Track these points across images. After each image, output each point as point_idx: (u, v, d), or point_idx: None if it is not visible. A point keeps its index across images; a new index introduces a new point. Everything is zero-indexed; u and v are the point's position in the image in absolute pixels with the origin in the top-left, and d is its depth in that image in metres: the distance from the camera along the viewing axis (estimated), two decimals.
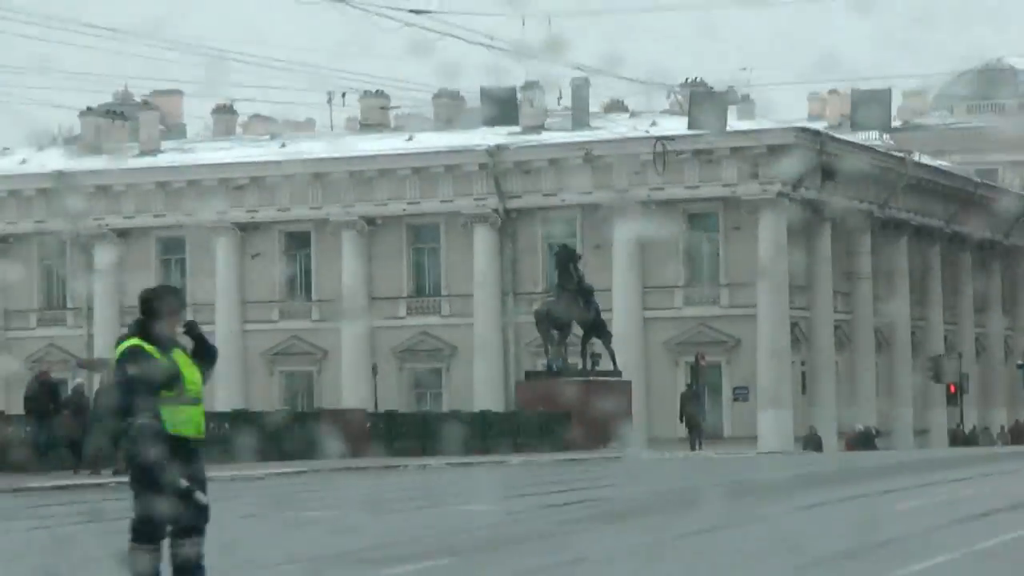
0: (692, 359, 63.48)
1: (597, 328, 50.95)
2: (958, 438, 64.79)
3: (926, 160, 73.97)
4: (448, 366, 68.54)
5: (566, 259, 51.94)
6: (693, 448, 52.10)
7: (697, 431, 53.23)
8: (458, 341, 67.85)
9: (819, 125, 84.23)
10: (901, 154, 71.32)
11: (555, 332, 50.14)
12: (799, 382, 65.26)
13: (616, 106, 74.98)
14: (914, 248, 72.17)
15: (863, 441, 59.62)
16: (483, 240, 67.67)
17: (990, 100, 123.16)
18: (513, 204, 67.51)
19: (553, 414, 47.02)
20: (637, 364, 64.34)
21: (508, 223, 67.59)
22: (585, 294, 50.58)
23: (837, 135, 69.45)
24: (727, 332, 64.77)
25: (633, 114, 70.24)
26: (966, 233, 74.36)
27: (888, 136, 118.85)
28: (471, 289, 67.32)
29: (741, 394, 63.71)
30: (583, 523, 19.35)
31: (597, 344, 51.56)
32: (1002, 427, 72.33)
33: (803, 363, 65.39)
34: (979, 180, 77.41)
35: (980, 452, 51.15)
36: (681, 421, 53.58)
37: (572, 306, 49.80)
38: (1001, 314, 76.20)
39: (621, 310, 64.75)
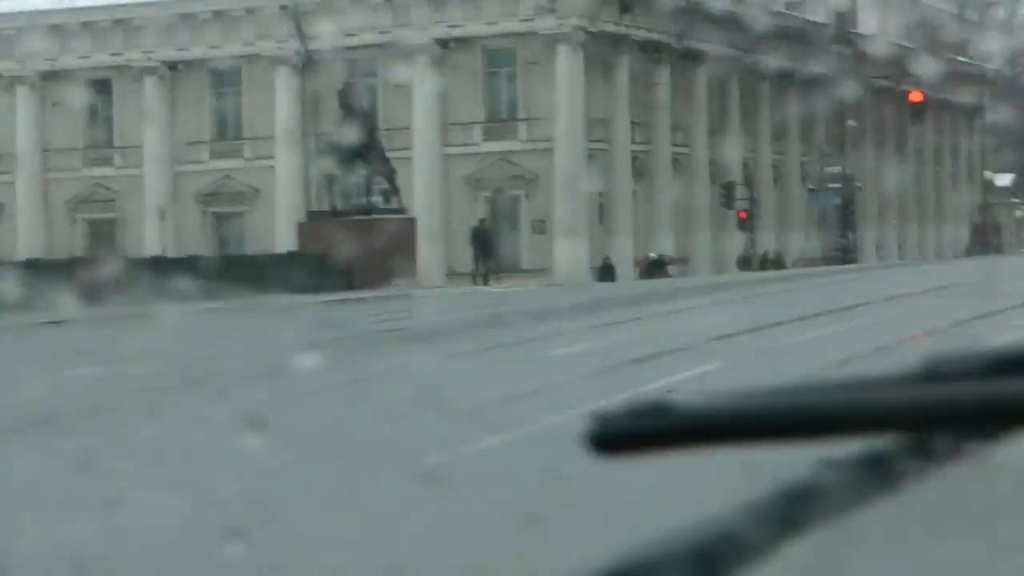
0: (491, 194, 62.71)
1: (381, 165, 49.76)
2: (749, 263, 64.61)
3: None
4: (251, 209, 67.12)
5: (349, 98, 50.63)
6: (478, 282, 51.37)
7: (485, 265, 52.48)
8: (261, 184, 66.42)
9: None
10: None
11: (338, 172, 48.92)
12: (597, 213, 64.59)
13: None
14: (713, 79, 71.39)
15: (655, 268, 59.25)
16: (284, 82, 66.04)
17: None
18: (314, 45, 65.77)
19: (332, 254, 45.86)
20: (438, 201, 63.44)
21: (309, 65, 65.92)
22: (369, 132, 49.31)
23: None
24: (526, 166, 63.84)
25: None
26: (764, 63, 73.63)
27: None
28: (273, 132, 65.79)
29: (539, 227, 62.93)
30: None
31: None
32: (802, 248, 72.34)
33: (600, 194, 64.66)
34: (784, 12, 76.59)
35: (752, 277, 50.85)
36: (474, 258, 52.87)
37: (355, 144, 48.51)
38: (799, 142, 75.79)
39: (421, 147, 63.65)
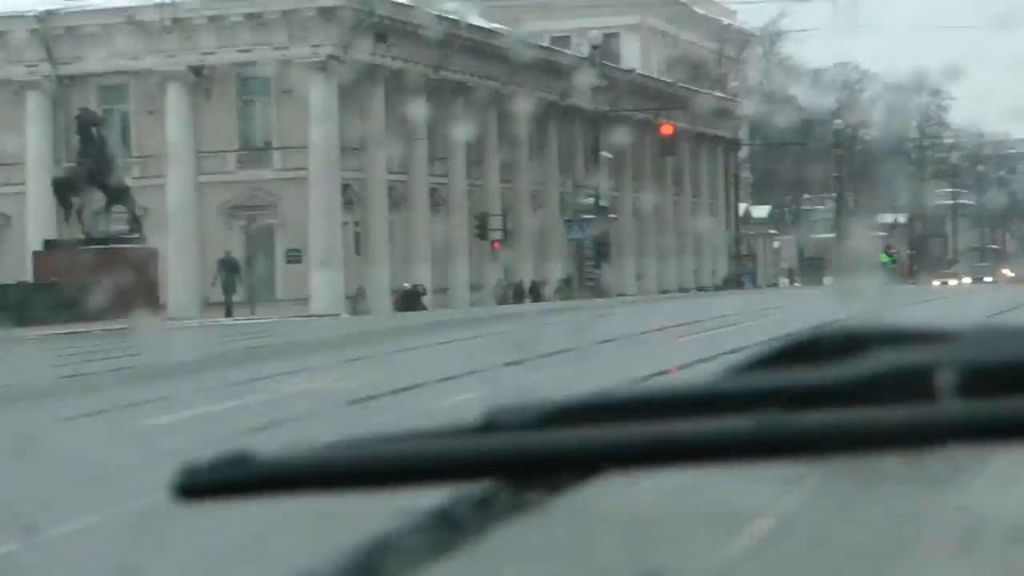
0: (245, 223, 60.77)
1: (119, 194, 47.60)
2: (506, 296, 63.57)
3: (482, 23, 71.83)
4: (1, 236, 64.24)
5: (87, 124, 48.42)
6: (228, 314, 49.44)
7: (231, 297, 50.60)
8: (13, 211, 63.60)
9: None
10: (455, 17, 68.97)
11: (75, 199, 46.65)
12: (353, 243, 62.93)
13: None
14: (472, 110, 70.23)
15: (410, 299, 57.78)
16: (35, 108, 63.34)
17: None
18: (66, 71, 63.26)
19: (67, 284, 43.63)
20: (192, 230, 61.30)
21: (60, 90, 63.33)
22: (107, 160, 47.15)
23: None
24: (280, 195, 61.93)
25: None
26: (524, 95, 72.69)
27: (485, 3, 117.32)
28: (22, 158, 62.97)
29: (294, 256, 61.06)
30: None
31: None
32: (560, 280, 71.34)
33: (357, 223, 63.01)
34: (541, 44, 75.84)
35: (502, 311, 49.54)
36: (213, 285, 50.86)
37: (93, 172, 46.31)
38: (557, 173, 74.93)
39: (175, 175, 61.43)
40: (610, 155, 72.64)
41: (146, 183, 62.40)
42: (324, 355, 25.69)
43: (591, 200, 68.48)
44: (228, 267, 51.28)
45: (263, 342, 32.54)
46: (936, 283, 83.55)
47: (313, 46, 60.29)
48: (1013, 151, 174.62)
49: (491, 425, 1.58)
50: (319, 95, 60.38)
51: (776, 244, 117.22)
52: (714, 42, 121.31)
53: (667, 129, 63.20)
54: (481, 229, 61.14)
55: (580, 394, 1.65)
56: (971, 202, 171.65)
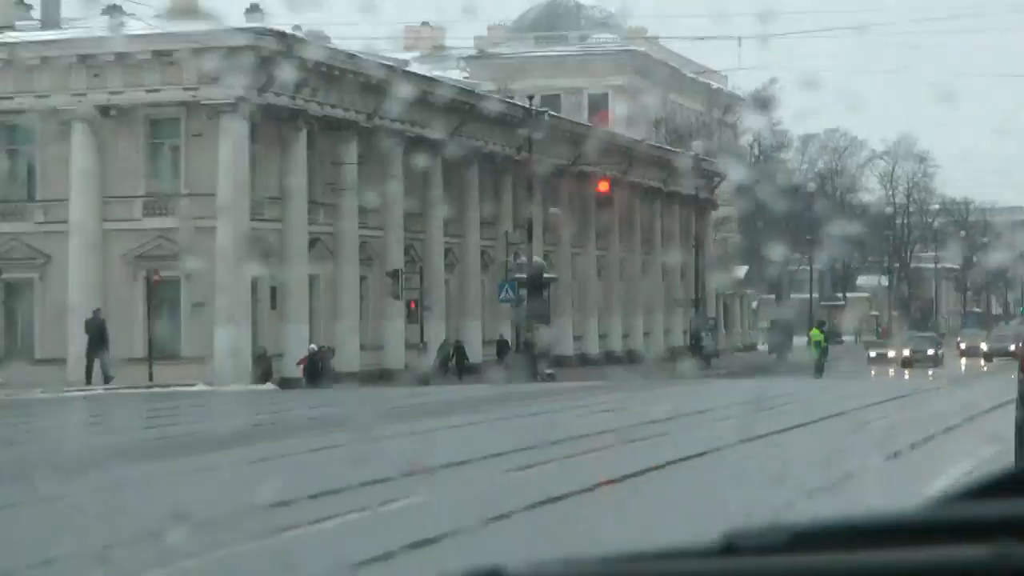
0: (148, 273, 51.35)
1: None
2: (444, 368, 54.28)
3: (423, 72, 62.43)
4: None
5: None
6: (89, 380, 40.05)
7: (96, 359, 41.17)
8: None
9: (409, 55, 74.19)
10: (391, 63, 59.64)
11: None
12: (269, 298, 53.44)
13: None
14: (411, 161, 60.88)
15: (318, 363, 48.34)
16: None
17: (555, 31, 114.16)
18: None
19: None
20: (95, 280, 51.96)
21: None
22: None
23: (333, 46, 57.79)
24: (188, 245, 52.40)
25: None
26: (468, 147, 63.22)
27: (464, 64, 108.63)
28: None
29: (197, 311, 51.53)
30: None
31: None
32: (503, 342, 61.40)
33: (273, 277, 53.55)
34: (487, 94, 66.43)
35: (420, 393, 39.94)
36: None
37: None
38: (497, 228, 65.23)
39: (79, 222, 52.14)
40: (558, 211, 62.97)
41: (50, 228, 53.25)
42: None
43: (535, 260, 58.78)
44: (95, 328, 41.99)
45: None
46: (872, 354, 73.34)
47: (225, 88, 50.86)
48: (999, 218, 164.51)
49: (731, 547, 1.51)
50: (229, 139, 50.96)
51: (755, 304, 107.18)
52: (703, 105, 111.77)
53: (603, 186, 53.47)
54: (395, 287, 51.06)
55: (821, 518, 1.58)
56: (955, 266, 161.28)
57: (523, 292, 54.22)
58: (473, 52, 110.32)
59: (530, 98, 58.23)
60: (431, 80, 61.35)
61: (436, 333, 56.89)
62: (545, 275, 56.94)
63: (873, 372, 64.58)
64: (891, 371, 64.06)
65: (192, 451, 20.70)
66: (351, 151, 56.32)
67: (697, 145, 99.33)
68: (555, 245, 73.71)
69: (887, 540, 1.51)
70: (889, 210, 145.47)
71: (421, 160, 60.88)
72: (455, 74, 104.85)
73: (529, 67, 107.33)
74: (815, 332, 47.35)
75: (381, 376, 54.14)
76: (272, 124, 52.55)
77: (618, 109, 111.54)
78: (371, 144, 57.68)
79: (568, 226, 72.61)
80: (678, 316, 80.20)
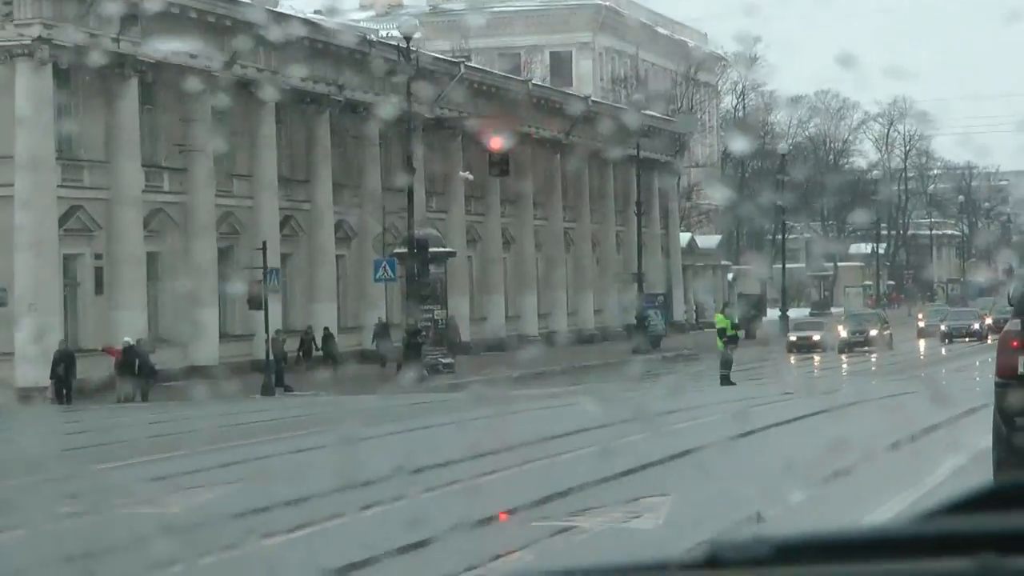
0: None
1: None
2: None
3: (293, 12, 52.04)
4: None
5: None
6: None
7: None
8: None
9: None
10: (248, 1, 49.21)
11: None
12: (91, 280, 43.50)
13: None
14: (286, 117, 50.98)
15: (131, 360, 38.39)
16: None
17: None
18: None
19: None
20: None
21: None
22: None
23: None
24: None
25: None
26: (349, 99, 53.02)
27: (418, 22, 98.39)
28: None
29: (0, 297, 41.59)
30: None
31: None
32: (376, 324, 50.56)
33: (98, 256, 43.63)
34: (365, 36, 56.02)
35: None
36: None
37: None
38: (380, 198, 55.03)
39: None
40: (469, 176, 52.72)
41: None
42: None
43: (428, 231, 48.72)
44: None
45: None
46: (793, 337, 60.86)
47: (18, 25, 40.80)
48: (1004, 183, 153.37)
49: (715, 560, 1.49)
50: (26, 89, 40.89)
51: (731, 276, 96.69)
52: (678, 64, 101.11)
53: (495, 143, 42.89)
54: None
55: (802, 532, 1.55)
56: (956, 232, 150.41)
57: (391, 272, 44.22)
58: (426, 9, 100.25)
59: (451, 55, 47.56)
60: (311, 23, 51.18)
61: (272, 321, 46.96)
62: (436, 249, 46.80)
63: (791, 363, 52.86)
64: (816, 359, 52.52)
65: None
66: (204, 106, 46.22)
67: (660, 106, 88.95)
68: (482, 215, 63.72)
69: (870, 554, 1.50)
70: (877, 174, 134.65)
71: (298, 116, 51.07)
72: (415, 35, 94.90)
73: (487, 24, 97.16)
74: (720, 318, 35.26)
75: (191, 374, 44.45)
76: (91, 73, 42.41)
77: (582, 68, 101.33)
78: (231, 97, 47.68)
79: (489, 193, 62.49)
80: (624, 293, 70.08)
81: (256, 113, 48.93)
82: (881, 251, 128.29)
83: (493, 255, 63.78)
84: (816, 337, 56.94)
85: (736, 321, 35.27)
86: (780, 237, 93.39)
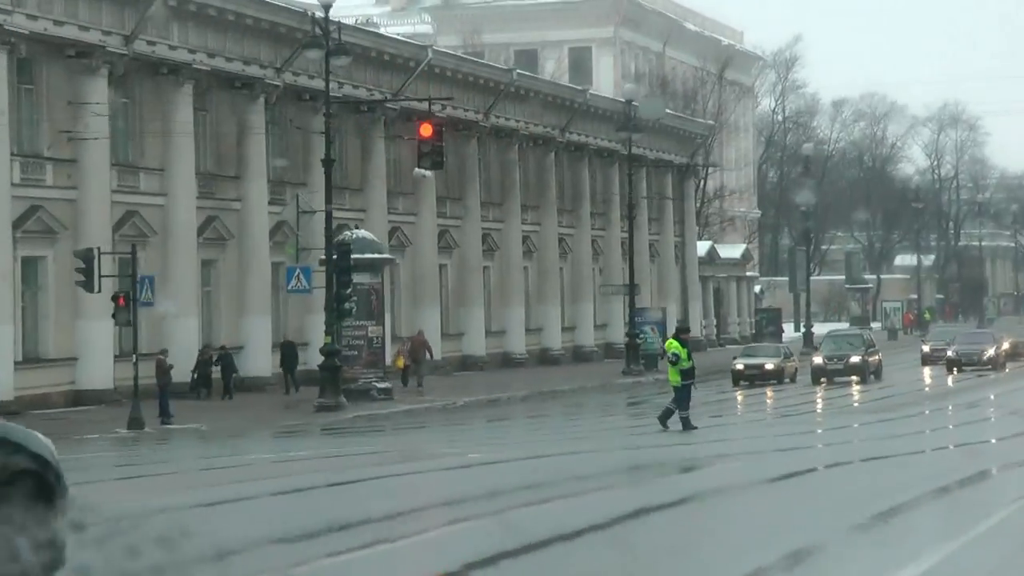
0: None
1: None
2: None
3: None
4: None
5: None
6: None
7: None
8: None
9: None
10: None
11: None
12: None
13: None
14: (212, 100, 43.88)
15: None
16: None
17: None
18: None
19: None
20: None
21: None
22: None
23: None
24: None
25: None
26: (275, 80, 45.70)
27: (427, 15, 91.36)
28: None
29: None
30: None
31: None
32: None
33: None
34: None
35: None
36: None
37: None
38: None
39: None
40: (426, 173, 45.29)
41: None
42: None
43: (358, 232, 41.45)
44: None
45: None
46: (739, 365, 49.27)
47: None
48: None
49: None
50: None
51: (758, 288, 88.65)
52: (706, 62, 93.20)
53: (425, 130, 35.30)
54: (86, 276, 32.62)
55: None
56: (1011, 244, 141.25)
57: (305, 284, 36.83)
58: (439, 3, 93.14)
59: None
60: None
61: (185, 338, 39.58)
62: (366, 255, 39.41)
63: (738, 399, 40.61)
64: (768, 397, 40.16)
65: None
66: (99, 88, 39.05)
67: (679, 105, 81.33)
68: (459, 218, 56.38)
69: None
70: (922, 180, 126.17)
71: (217, 99, 44.02)
72: (424, 28, 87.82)
73: (501, 18, 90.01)
74: (672, 343, 26.64)
75: (77, 400, 37.20)
76: None
77: (603, 65, 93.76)
78: (129, 79, 40.65)
79: (467, 194, 55.19)
80: (618, 305, 62.46)
81: (169, 97, 41.79)
82: (929, 263, 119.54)
83: (472, 263, 56.46)
84: (769, 366, 46.16)
85: (688, 348, 26.91)
86: (810, 247, 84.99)
